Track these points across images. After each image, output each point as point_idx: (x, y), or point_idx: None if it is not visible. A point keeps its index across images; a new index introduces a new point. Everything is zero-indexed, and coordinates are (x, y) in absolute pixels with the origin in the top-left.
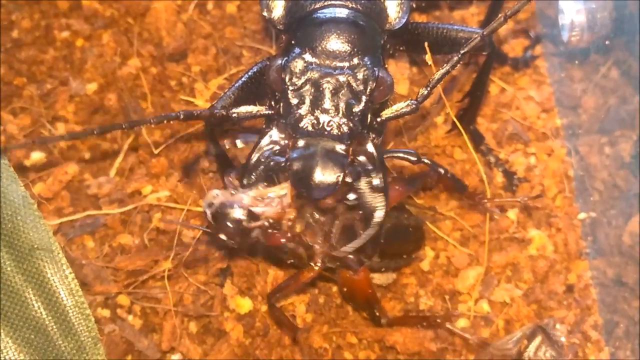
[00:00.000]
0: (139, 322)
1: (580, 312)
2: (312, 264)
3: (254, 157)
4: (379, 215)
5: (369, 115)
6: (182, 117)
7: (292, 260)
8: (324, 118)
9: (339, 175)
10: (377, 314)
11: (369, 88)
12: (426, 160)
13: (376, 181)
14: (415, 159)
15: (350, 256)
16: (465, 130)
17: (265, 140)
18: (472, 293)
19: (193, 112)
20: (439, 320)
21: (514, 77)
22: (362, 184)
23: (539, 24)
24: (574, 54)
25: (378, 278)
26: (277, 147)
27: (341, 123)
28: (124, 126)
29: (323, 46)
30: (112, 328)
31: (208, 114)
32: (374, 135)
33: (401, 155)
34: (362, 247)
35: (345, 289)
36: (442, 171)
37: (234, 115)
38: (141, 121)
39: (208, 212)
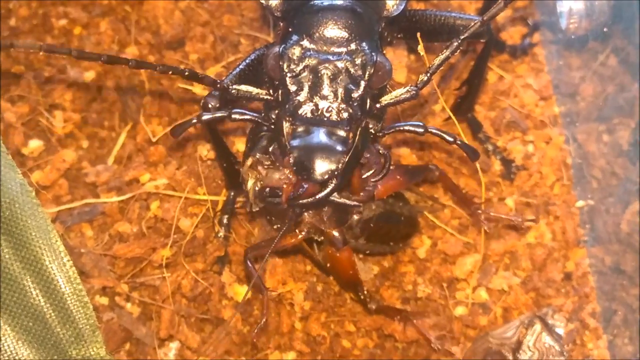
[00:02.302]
0: (137, 310)
1: (579, 299)
2: (297, 230)
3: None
4: (323, 192)
5: (368, 101)
6: (187, 73)
7: (278, 225)
8: (323, 104)
9: (340, 161)
10: (362, 297)
11: (367, 73)
12: (434, 130)
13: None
14: (422, 130)
15: (336, 233)
16: (464, 118)
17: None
18: (470, 280)
19: (198, 74)
20: (410, 317)
21: (512, 65)
22: None
23: (537, 11)
24: (572, 41)
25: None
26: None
27: (340, 109)
28: (130, 63)
29: (320, 33)
30: (111, 316)
31: (211, 80)
32: (373, 122)
33: (408, 127)
34: (350, 227)
35: (328, 265)
36: (451, 139)
37: (233, 90)
38: (148, 65)
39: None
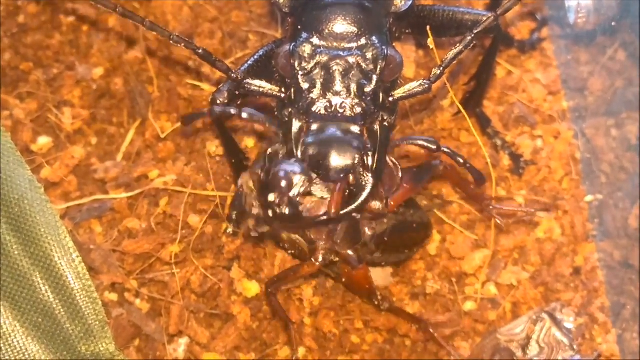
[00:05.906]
0: (147, 306)
1: (587, 294)
2: (312, 259)
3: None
4: (363, 194)
5: (381, 95)
6: (200, 51)
7: (292, 252)
8: (336, 100)
9: (355, 157)
10: (377, 303)
11: (379, 67)
12: (446, 150)
13: (370, 160)
14: (435, 147)
15: (351, 253)
16: (472, 113)
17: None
18: (479, 276)
19: (212, 55)
20: (431, 330)
21: (520, 60)
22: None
23: (545, 6)
24: (581, 36)
25: (376, 280)
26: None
27: (354, 104)
28: (144, 23)
29: (330, 29)
30: (120, 312)
31: (225, 67)
32: (386, 115)
33: (421, 142)
34: (364, 244)
35: (344, 281)
36: (461, 161)
37: (246, 84)
38: (161, 30)
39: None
